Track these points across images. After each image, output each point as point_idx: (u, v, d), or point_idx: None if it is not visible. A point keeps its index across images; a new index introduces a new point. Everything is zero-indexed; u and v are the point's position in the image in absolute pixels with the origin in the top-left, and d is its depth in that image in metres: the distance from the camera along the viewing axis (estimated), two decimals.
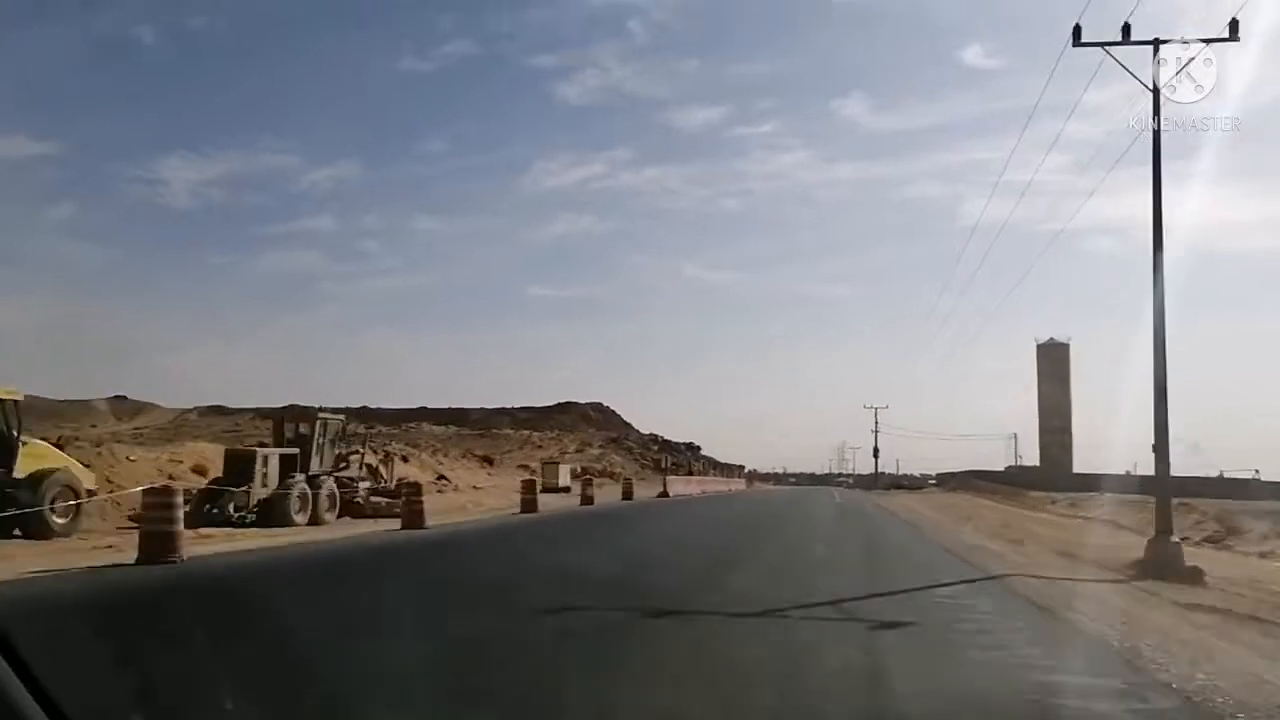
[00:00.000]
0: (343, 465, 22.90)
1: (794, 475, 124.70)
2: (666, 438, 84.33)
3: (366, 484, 23.04)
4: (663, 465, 50.78)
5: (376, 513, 21.99)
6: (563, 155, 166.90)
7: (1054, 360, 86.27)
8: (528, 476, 49.57)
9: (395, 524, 20.19)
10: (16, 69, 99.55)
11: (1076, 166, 50.45)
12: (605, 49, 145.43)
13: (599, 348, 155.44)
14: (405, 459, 37.79)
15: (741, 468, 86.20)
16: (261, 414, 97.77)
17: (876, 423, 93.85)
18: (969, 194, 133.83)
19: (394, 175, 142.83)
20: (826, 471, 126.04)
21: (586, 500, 27.28)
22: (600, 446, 71.97)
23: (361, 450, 23.63)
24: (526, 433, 77.38)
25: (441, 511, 26.26)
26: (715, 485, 54.08)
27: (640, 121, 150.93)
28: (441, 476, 37.65)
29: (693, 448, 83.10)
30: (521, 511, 21.88)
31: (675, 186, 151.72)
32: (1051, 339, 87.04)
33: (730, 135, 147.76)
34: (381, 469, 24.84)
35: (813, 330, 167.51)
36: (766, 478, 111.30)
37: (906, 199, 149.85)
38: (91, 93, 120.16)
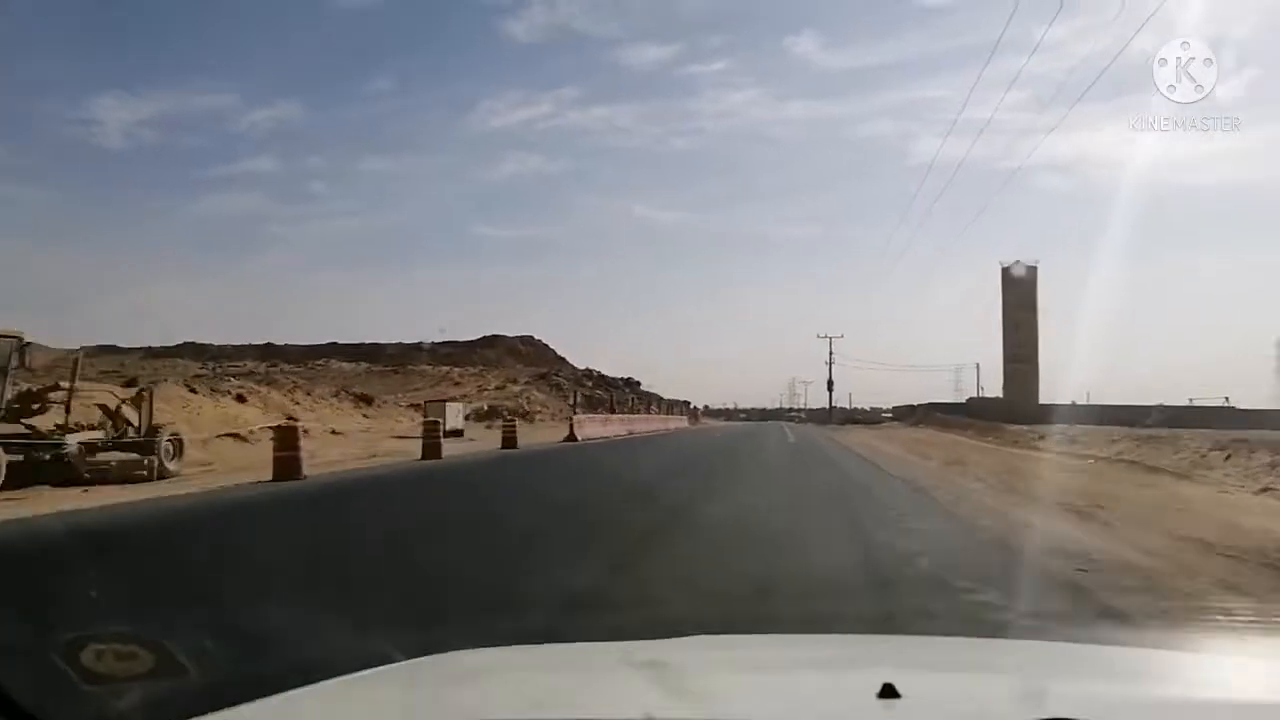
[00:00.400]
0: (34, 407, 15.33)
1: (744, 411, 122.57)
2: (603, 373, 76.92)
3: (87, 436, 15.44)
4: (573, 402, 43.23)
5: (103, 477, 14.87)
6: (510, 94, 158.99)
7: (1021, 285, 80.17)
8: (421, 419, 42.33)
9: (121, 494, 13.45)
10: None
11: (1036, 103, 48.07)
12: None
13: (548, 287, 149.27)
14: (241, 398, 29.96)
15: (687, 404, 79.70)
16: (153, 353, 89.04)
17: (831, 353, 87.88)
18: (922, 133, 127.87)
19: (338, 115, 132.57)
20: (778, 406, 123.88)
21: (430, 451, 19.80)
22: (526, 382, 64.30)
23: (71, 385, 15.87)
24: (446, 369, 69.42)
25: (236, 469, 18.85)
26: (648, 425, 46.89)
27: (589, 60, 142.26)
28: (291, 419, 29.77)
29: (631, 383, 75.73)
30: (275, 478, 14.20)
31: (625, 125, 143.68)
32: (1019, 262, 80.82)
33: (681, 74, 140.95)
34: (127, 412, 17.02)
35: (765, 269, 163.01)
36: (717, 414, 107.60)
37: (860, 138, 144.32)
38: (17, 29, 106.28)
